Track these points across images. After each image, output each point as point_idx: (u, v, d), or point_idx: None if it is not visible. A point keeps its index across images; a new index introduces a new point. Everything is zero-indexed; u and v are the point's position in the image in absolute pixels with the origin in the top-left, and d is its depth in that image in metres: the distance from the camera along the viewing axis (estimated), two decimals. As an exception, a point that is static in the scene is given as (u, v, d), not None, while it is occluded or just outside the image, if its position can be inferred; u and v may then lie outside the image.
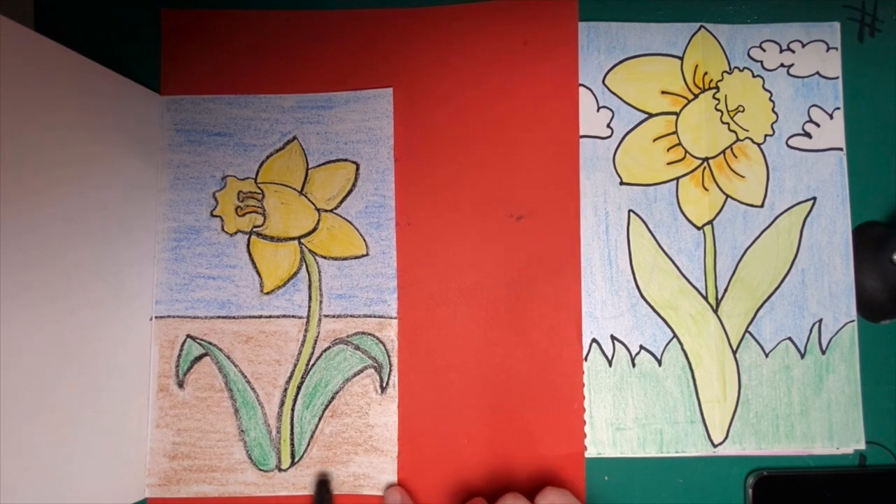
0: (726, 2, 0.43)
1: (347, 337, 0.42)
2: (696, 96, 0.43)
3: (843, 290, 0.41)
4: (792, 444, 0.40)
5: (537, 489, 0.36)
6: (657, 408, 0.41)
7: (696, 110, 0.43)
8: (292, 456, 0.41)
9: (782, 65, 0.43)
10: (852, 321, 0.41)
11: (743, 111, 0.42)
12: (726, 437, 0.40)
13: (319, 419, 0.41)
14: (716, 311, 0.41)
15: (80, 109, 0.35)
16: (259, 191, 0.43)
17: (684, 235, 0.42)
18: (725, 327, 0.41)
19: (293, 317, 0.42)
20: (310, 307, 0.42)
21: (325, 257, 0.42)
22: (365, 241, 0.42)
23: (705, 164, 0.42)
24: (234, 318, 0.42)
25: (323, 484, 0.40)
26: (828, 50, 0.43)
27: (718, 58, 0.43)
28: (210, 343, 0.42)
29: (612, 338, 0.41)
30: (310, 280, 0.42)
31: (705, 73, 0.43)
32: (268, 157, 0.43)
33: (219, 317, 0.42)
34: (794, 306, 0.41)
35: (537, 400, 0.41)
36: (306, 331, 0.42)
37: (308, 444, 0.41)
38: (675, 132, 0.43)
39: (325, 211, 0.43)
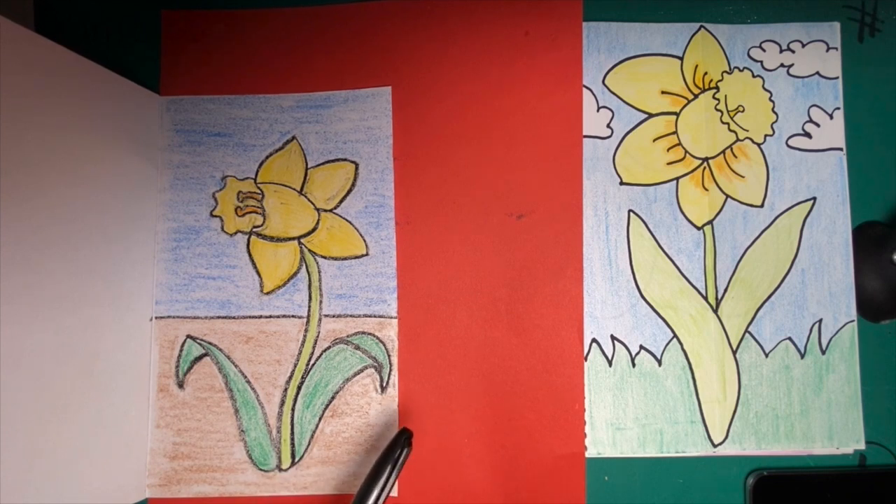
0: (726, 2, 0.43)
1: (347, 337, 0.42)
2: (696, 96, 0.43)
3: (843, 290, 0.41)
4: (792, 444, 0.40)
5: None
6: (657, 408, 0.41)
7: (696, 110, 0.43)
8: (292, 456, 0.41)
9: (782, 65, 0.43)
10: (852, 321, 0.41)
11: (743, 111, 0.42)
12: (726, 437, 0.40)
13: (320, 419, 0.41)
14: (716, 311, 0.41)
15: (80, 109, 0.35)
16: (259, 191, 0.43)
17: (684, 235, 0.42)
18: (725, 327, 0.41)
19: (293, 317, 0.42)
20: (310, 307, 0.42)
21: (325, 257, 0.42)
22: (365, 240, 0.42)
23: (705, 164, 0.42)
24: (234, 318, 0.42)
25: (403, 435, 0.38)
26: (828, 50, 0.43)
27: (718, 58, 0.43)
28: (210, 343, 0.42)
29: (612, 338, 0.41)
30: (310, 280, 0.42)
31: (705, 73, 0.43)
32: (267, 157, 0.43)
33: (219, 317, 0.42)
34: (794, 306, 0.41)
35: (537, 400, 0.41)
36: (306, 331, 0.42)
37: (308, 444, 0.41)
38: (675, 132, 0.42)
39: (325, 211, 0.43)
